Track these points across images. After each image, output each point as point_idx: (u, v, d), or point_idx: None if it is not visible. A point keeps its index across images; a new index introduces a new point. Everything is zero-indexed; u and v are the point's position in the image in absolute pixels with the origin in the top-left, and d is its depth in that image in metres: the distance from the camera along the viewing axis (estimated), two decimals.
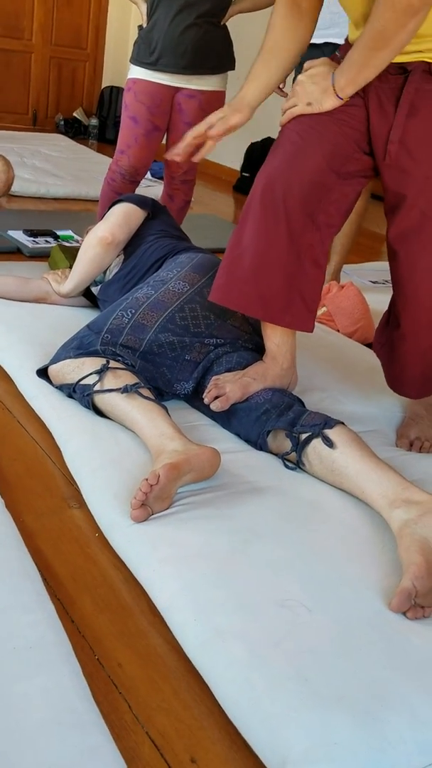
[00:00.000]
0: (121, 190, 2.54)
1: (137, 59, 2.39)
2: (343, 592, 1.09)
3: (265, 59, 1.47)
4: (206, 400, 1.54)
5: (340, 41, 2.38)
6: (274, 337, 1.55)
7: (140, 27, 2.40)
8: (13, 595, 1.03)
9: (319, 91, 1.37)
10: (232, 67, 2.42)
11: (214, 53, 2.35)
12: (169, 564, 1.10)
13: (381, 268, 3.08)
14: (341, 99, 1.36)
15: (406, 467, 1.48)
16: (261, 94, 1.49)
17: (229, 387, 1.52)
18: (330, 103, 1.37)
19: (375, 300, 2.45)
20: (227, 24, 2.37)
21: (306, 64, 1.41)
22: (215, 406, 1.52)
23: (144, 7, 2.36)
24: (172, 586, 1.06)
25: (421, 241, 1.41)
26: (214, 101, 2.43)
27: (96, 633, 1.05)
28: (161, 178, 4.27)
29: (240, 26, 2.67)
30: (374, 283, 2.84)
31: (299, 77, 1.42)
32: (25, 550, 1.13)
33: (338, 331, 2.27)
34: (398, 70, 1.32)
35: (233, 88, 2.43)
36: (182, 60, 2.32)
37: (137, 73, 2.39)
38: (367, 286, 2.75)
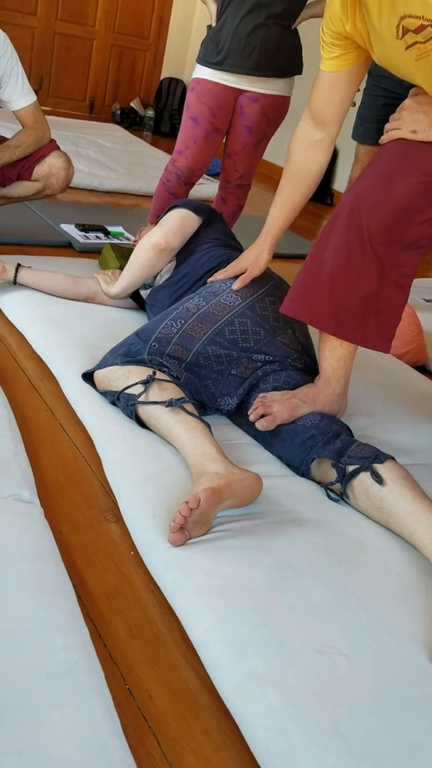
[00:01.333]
0: (176, 190, 2.51)
1: (203, 59, 2.35)
2: (385, 641, 1.05)
3: (289, 190, 1.61)
4: (251, 418, 1.51)
5: None
6: (331, 359, 1.51)
7: (209, 27, 2.36)
8: (49, 613, 1.02)
9: (427, 122, 1.34)
10: (299, 72, 2.37)
11: (281, 56, 2.29)
12: (205, 595, 1.07)
13: None
14: None
15: None
16: (284, 229, 1.68)
17: (276, 407, 1.49)
18: None
19: (430, 320, 2.39)
20: (298, 28, 2.32)
21: (413, 90, 1.38)
22: (260, 425, 1.48)
23: (214, 7, 2.32)
24: (207, 620, 1.04)
25: None
26: (278, 105, 2.38)
27: (128, 660, 1.03)
28: (216, 176, 4.23)
29: (312, 31, 2.61)
30: (428, 301, 2.76)
31: (406, 102, 1.39)
32: (61, 566, 1.11)
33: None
34: None
35: (297, 93, 2.39)
36: (248, 61, 2.27)
37: (202, 72, 2.36)
38: (421, 305, 2.68)
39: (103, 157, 4.11)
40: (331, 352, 1.50)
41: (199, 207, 2.00)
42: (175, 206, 1.99)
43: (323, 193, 4.65)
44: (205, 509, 1.18)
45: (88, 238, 2.75)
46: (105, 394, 1.58)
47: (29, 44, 5.31)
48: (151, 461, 1.39)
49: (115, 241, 2.79)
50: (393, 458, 1.36)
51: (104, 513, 1.32)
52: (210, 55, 2.32)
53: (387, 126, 1.42)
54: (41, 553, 1.12)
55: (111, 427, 1.49)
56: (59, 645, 0.97)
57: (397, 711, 0.95)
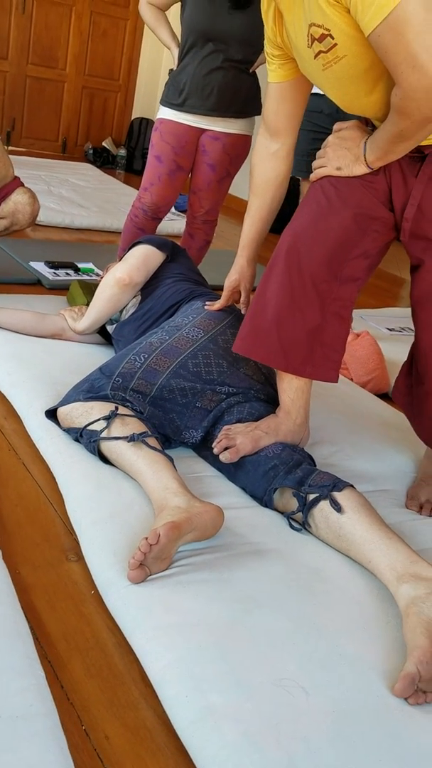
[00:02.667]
0: (144, 226, 2.56)
1: (166, 100, 2.43)
2: (343, 672, 1.05)
3: (256, 203, 1.65)
4: (215, 451, 1.52)
5: None
6: (289, 391, 1.53)
7: (171, 71, 2.44)
8: (3, 656, 1.00)
9: (351, 158, 1.38)
10: (258, 113, 2.44)
11: (240, 97, 2.37)
12: (164, 632, 1.07)
13: (399, 314, 3.06)
14: (371, 168, 1.38)
15: (415, 534, 1.44)
16: (257, 241, 1.72)
17: (240, 439, 1.50)
18: (360, 170, 1.39)
19: (391, 349, 2.43)
20: (257, 72, 2.40)
21: (336, 126, 1.42)
22: (224, 457, 1.49)
23: (176, 51, 2.40)
24: (165, 656, 1.03)
25: None
26: (239, 145, 2.45)
27: (84, 700, 1.02)
28: (184, 212, 4.30)
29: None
30: (391, 330, 2.81)
31: (330, 139, 1.43)
32: (18, 608, 1.10)
33: (351, 379, 2.24)
34: (417, 151, 1.36)
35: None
36: (208, 101, 2.34)
37: (165, 113, 2.43)
38: (383, 335, 2.73)
39: (75, 195, 4.16)
40: (288, 384, 1.53)
41: (162, 243, 2.03)
42: (139, 242, 2.03)
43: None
44: (164, 544, 1.18)
45: (57, 275, 2.77)
46: (68, 430, 1.58)
47: (2, 87, 5.41)
48: (113, 497, 1.39)
49: (85, 277, 2.82)
50: (352, 486, 1.38)
51: (65, 552, 1.31)
52: (172, 97, 2.40)
53: (314, 164, 1.47)
54: None
55: (74, 464, 1.49)
56: (14, 688, 0.96)
57: (355, 743, 0.94)
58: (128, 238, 2.60)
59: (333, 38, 1.20)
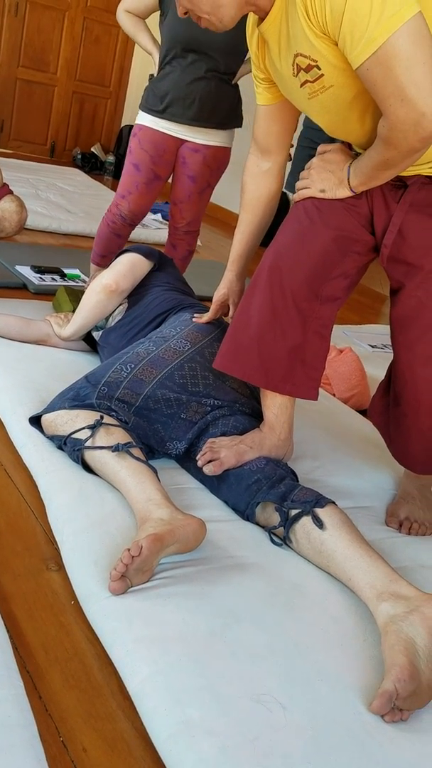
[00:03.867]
0: (121, 232, 2.56)
1: (146, 105, 2.40)
2: (320, 688, 1.06)
3: (247, 219, 1.66)
4: (199, 463, 1.53)
5: None
6: (273, 407, 1.55)
7: (151, 76, 2.42)
8: None
9: (334, 181, 1.41)
10: (239, 125, 2.46)
11: (221, 109, 2.37)
12: (144, 645, 1.07)
13: (381, 331, 3.10)
14: (354, 192, 1.41)
15: (394, 552, 1.45)
16: (247, 257, 1.72)
17: (224, 452, 1.51)
18: (343, 194, 1.41)
19: (373, 366, 2.46)
20: (239, 83, 2.41)
21: (320, 148, 1.44)
22: (208, 470, 1.50)
23: (157, 56, 2.38)
24: (144, 669, 1.03)
25: (419, 327, 1.42)
26: (219, 157, 2.45)
27: (63, 712, 1.02)
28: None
29: (251, 85, 2.71)
30: (373, 347, 2.85)
31: (314, 161, 1.45)
32: None
33: (334, 395, 2.27)
34: (399, 180, 1.39)
35: (237, 146, 2.47)
36: (189, 111, 2.33)
37: (144, 119, 2.40)
38: (365, 352, 2.76)
39: (63, 200, 4.16)
40: (272, 400, 1.54)
41: (149, 252, 2.04)
42: (126, 250, 2.04)
43: None
44: (146, 556, 1.18)
45: (43, 279, 2.77)
46: (52, 438, 1.58)
47: None
48: (96, 507, 1.39)
49: (71, 283, 2.82)
50: (333, 502, 1.39)
51: (46, 561, 1.31)
52: (152, 103, 2.38)
53: (297, 184, 1.49)
54: None
55: (57, 473, 1.49)
56: None
57: (331, 760, 0.95)
58: (104, 243, 2.59)
59: (320, 69, 1.22)
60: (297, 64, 1.25)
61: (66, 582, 1.25)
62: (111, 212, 2.54)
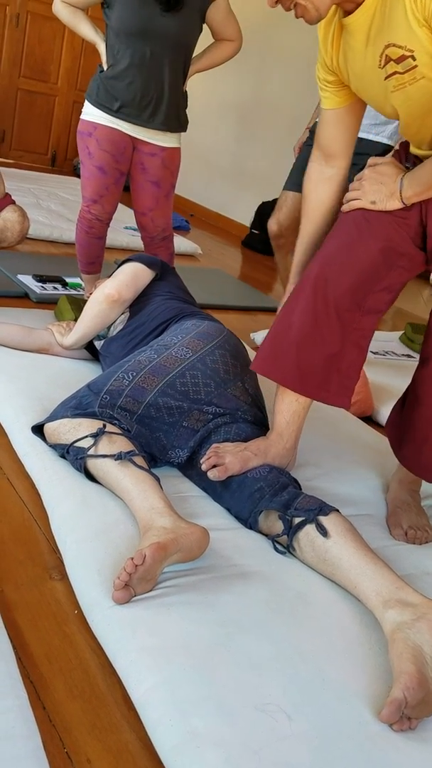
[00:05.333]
0: (100, 233, 2.55)
1: (97, 101, 2.36)
2: (326, 698, 1.05)
3: (309, 230, 1.63)
4: (204, 467, 1.52)
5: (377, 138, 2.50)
6: (287, 412, 1.55)
7: (100, 66, 2.38)
8: None
9: (386, 193, 1.41)
10: (185, 129, 2.46)
11: (175, 112, 2.38)
12: (148, 654, 1.06)
13: (383, 338, 3.10)
14: (404, 204, 1.41)
15: (398, 560, 1.45)
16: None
17: (229, 458, 1.51)
18: (394, 205, 1.42)
19: (375, 372, 2.46)
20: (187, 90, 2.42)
21: (371, 160, 1.46)
22: (212, 475, 1.50)
23: (103, 47, 2.35)
24: (149, 679, 1.02)
25: None
26: (175, 158, 2.46)
27: (67, 723, 1.01)
28: (176, 228, 4.32)
29: (194, 85, 2.69)
30: (375, 354, 2.85)
31: (365, 172, 1.46)
32: (1, 627, 1.09)
33: None
34: None
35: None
36: (145, 113, 2.33)
37: (97, 117, 2.36)
38: (368, 358, 2.76)
39: (64, 209, 4.17)
40: (288, 406, 1.54)
41: (151, 261, 2.05)
42: (129, 260, 2.04)
43: None
44: (150, 565, 1.18)
45: (45, 288, 2.77)
46: (55, 447, 1.58)
47: None
48: (99, 516, 1.39)
49: (73, 292, 2.82)
50: (337, 510, 1.39)
51: (49, 570, 1.30)
52: (106, 100, 2.34)
53: (347, 195, 1.50)
54: None
55: (60, 481, 1.48)
56: None
57: None
58: (87, 250, 2.57)
59: (415, 59, 1.22)
60: (386, 55, 1.25)
61: (69, 591, 1.25)
62: (85, 219, 2.51)
